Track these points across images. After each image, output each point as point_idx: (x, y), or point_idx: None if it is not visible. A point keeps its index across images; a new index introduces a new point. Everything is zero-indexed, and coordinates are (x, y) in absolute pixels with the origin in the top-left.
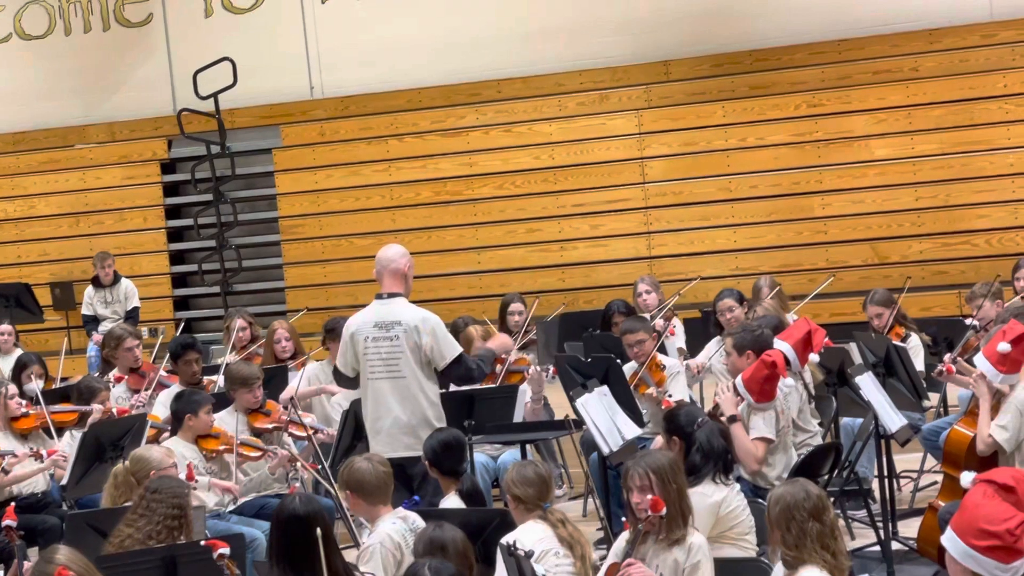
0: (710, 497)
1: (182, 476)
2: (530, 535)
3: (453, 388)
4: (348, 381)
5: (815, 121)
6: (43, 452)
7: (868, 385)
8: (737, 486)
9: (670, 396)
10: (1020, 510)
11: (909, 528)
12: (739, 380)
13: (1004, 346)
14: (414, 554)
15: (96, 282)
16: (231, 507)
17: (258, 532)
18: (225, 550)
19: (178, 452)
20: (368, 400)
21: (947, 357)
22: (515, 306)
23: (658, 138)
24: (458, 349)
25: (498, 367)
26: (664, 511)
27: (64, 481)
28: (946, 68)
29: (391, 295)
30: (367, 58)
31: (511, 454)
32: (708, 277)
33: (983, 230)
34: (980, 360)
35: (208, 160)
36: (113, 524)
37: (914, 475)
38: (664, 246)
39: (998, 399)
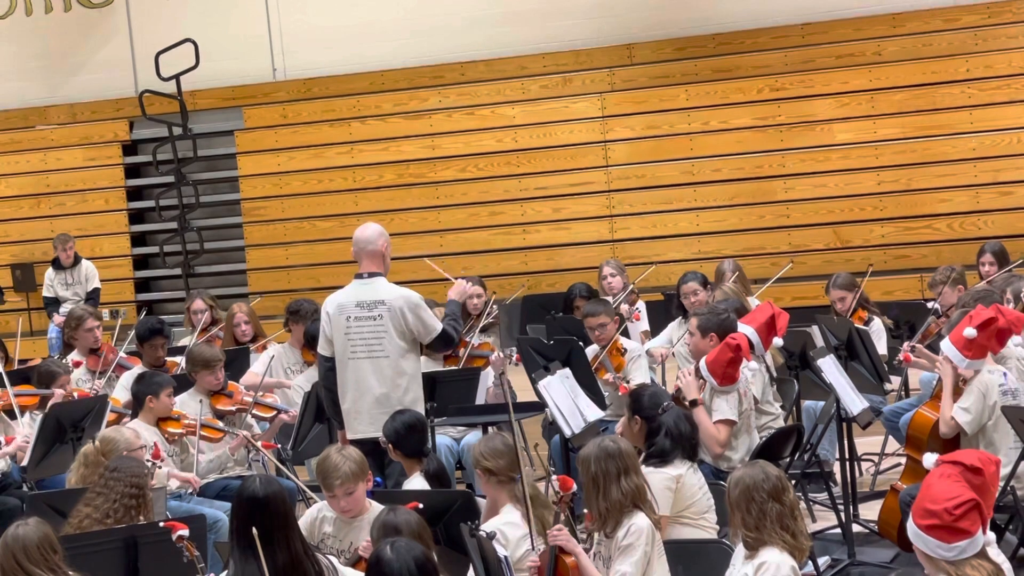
0: (667, 472)
1: (147, 457)
2: (514, 531)
3: None
4: (329, 370)
5: (778, 105)
6: (1, 440)
7: (830, 368)
8: (694, 464)
9: (627, 382)
10: (983, 491)
11: (870, 510)
12: (703, 363)
13: (970, 331)
14: (371, 540)
15: (56, 264)
16: (189, 488)
17: (220, 513)
18: (184, 532)
19: (140, 435)
20: (348, 379)
21: (905, 346)
22: (474, 289)
23: (621, 121)
24: (440, 324)
25: (461, 350)
26: (573, 489)
27: (24, 462)
28: (909, 52)
29: (371, 275)
30: (330, 40)
31: (474, 436)
32: (671, 260)
33: (945, 214)
34: (946, 345)
35: (170, 142)
36: (73, 505)
37: (875, 458)
38: (627, 229)
39: (959, 381)
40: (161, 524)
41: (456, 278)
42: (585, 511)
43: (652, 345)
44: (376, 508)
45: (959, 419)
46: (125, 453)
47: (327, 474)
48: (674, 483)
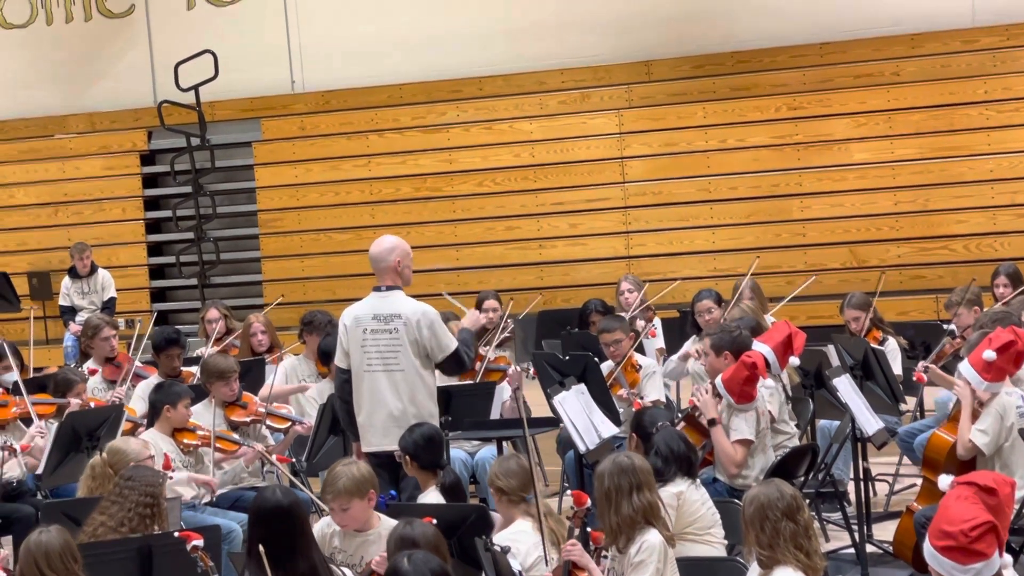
0: (668, 490)
1: (158, 468)
2: (525, 539)
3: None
4: (345, 382)
5: (795, 124)
6: (16, 447)
7: (845, 387)
8: (697, 480)
9: (641, 398)
10: (998, 512)
11: (884, 531)
12: (719, 381)
13: (989, 354)
14: (387, 553)
15: (73, 272)
16: (207, 499)
17: (234, 524)
18: (199, 542)
19: (155, 444)
20: (363, 392)
21: (919, 366)
22: (489, 303)
23: (638, 138)
24: (455, 343)
25: (477, 364)
26: (587, 504)
27: (39, 471)
28: (927, 73)
29: (389, 288)
30: (349, 53)
31: (488, 450)
32: (687, 278)
33: (961, 235)
34: (965, 367)
35: (188, 152)
36: (88, 513)
37: (890, 478)
38: (643, 246)
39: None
40: (176, 534)
41: (475, 301)
42: (589, 530)
43: (682, 351)
44: (386, 522)
45: (976, 441)
46: (132, 464)
47: (324, 486)
48: (675, 500)
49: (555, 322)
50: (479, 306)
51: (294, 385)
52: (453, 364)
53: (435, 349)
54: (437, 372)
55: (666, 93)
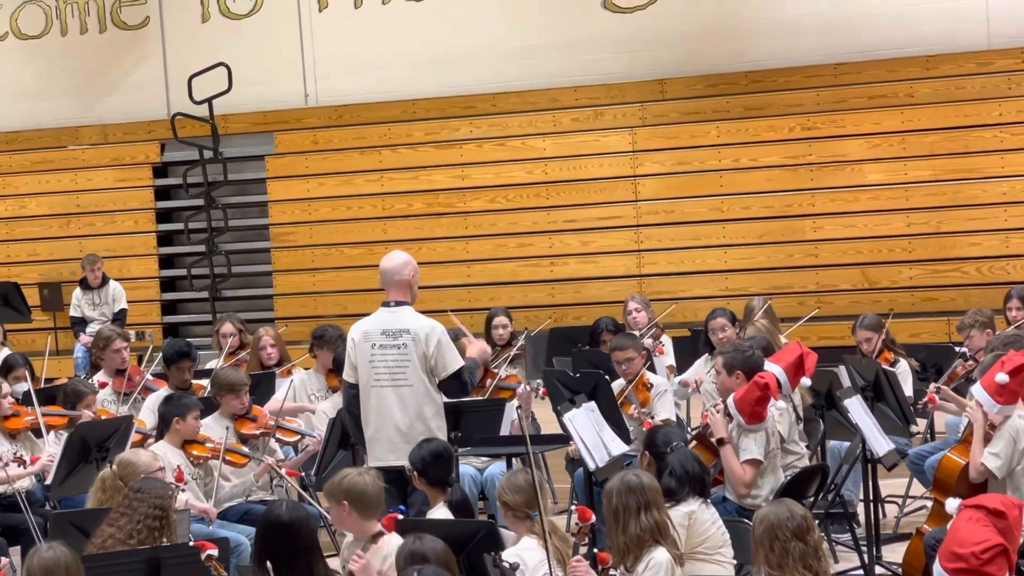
0: (680, 509)
1: (169, 479)
2: (532, 555)
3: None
4: (353, 396)
5: (809, 144)
6: (27, 459)
7: (856, 409)
8: (706, 500)
9: (652, 417)
10: (1007, 535)
11: (893, 553)
12: (730, 400)
13: (1002, 377)
14: (397, 569)
15: (84, 284)
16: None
17: (242, 537)
18: (213, 552)
19: (164, 456)
20: (371, 407)
21: (931, 387)
22: (499, 319)
23: (652, 156)
24: (460, 362)
25: (488, 381)
26: (592, 520)
27: (48, 480)
28: (942, 95)
29: (398, 303)
30: (362, 67)
31: (498, 466)
32: (698, 297)
33: (974, 258)
34: (978, 390)
35: (200, 165)
36: (97, 524)
37: (900, 500)
38: (655, 264)
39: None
40: (191, 543)
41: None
42: (596, 550)
43: (683, 377)
44: (394, 537)
45: (989, 465)
46: (142, 476)
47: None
48: (686, 519)
49: (566, 339)
50: (488, 323)
51: (297, 404)
52: (455, 384)
53: (439, 366)
54: None
55: (680, 112)
